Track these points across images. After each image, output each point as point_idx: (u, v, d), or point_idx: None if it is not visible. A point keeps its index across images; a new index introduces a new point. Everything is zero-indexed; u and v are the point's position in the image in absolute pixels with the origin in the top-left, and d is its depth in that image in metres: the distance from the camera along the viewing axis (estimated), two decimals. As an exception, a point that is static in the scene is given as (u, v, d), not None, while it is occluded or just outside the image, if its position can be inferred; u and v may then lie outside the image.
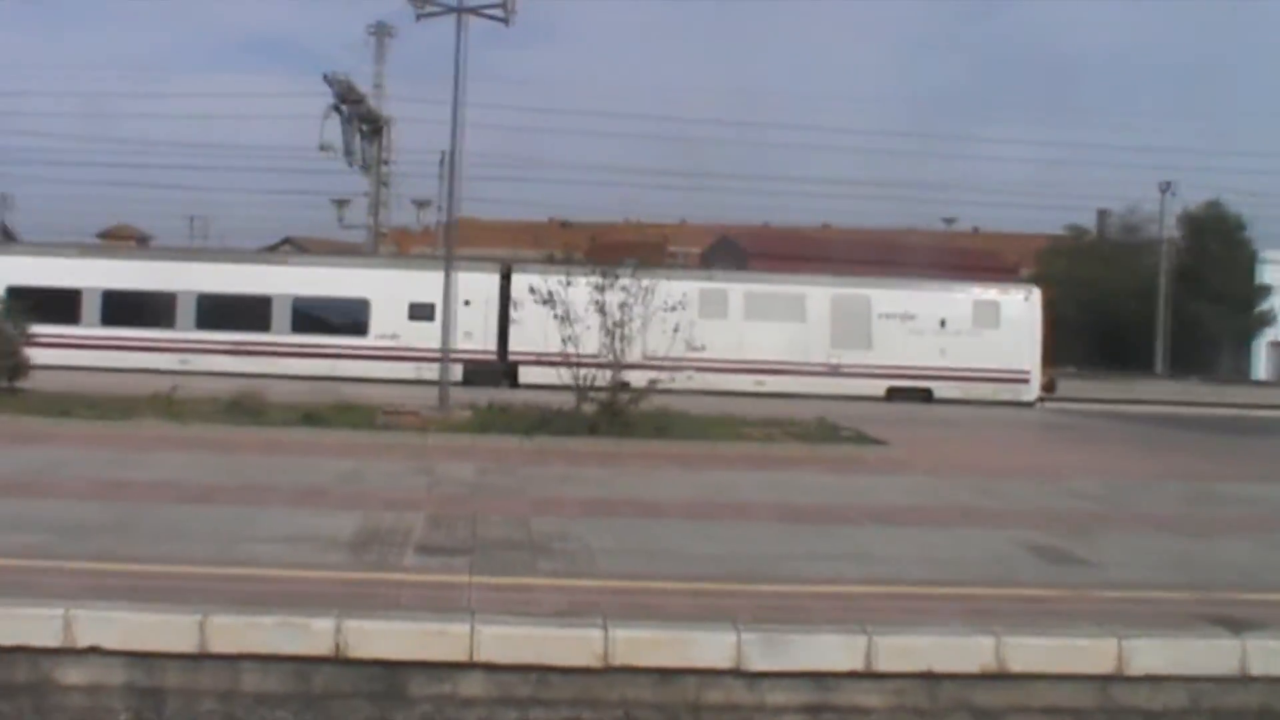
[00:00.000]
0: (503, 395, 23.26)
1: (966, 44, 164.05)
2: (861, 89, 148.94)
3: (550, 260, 44.19)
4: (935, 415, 30.47)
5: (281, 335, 33.94)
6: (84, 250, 38.50)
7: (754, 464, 17.61)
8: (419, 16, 23.28)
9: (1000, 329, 35.14)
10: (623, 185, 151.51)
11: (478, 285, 33.08)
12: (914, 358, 34.62)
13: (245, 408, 20.65)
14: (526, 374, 31.85)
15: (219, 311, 33.88)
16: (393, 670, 7.71)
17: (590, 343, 20.14)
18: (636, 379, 20.60)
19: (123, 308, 33.75)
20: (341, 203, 61.57)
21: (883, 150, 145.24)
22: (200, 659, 7.66)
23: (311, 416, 20.05)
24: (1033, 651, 7.93)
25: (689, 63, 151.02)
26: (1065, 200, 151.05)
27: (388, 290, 34.71)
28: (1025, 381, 34.96)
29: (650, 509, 13.07)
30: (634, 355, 20.73)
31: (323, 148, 56.40)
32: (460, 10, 22.93)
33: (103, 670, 7.67)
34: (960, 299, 35.94)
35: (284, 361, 32.27)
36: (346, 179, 59.40)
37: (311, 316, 34.72)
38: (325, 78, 55.21)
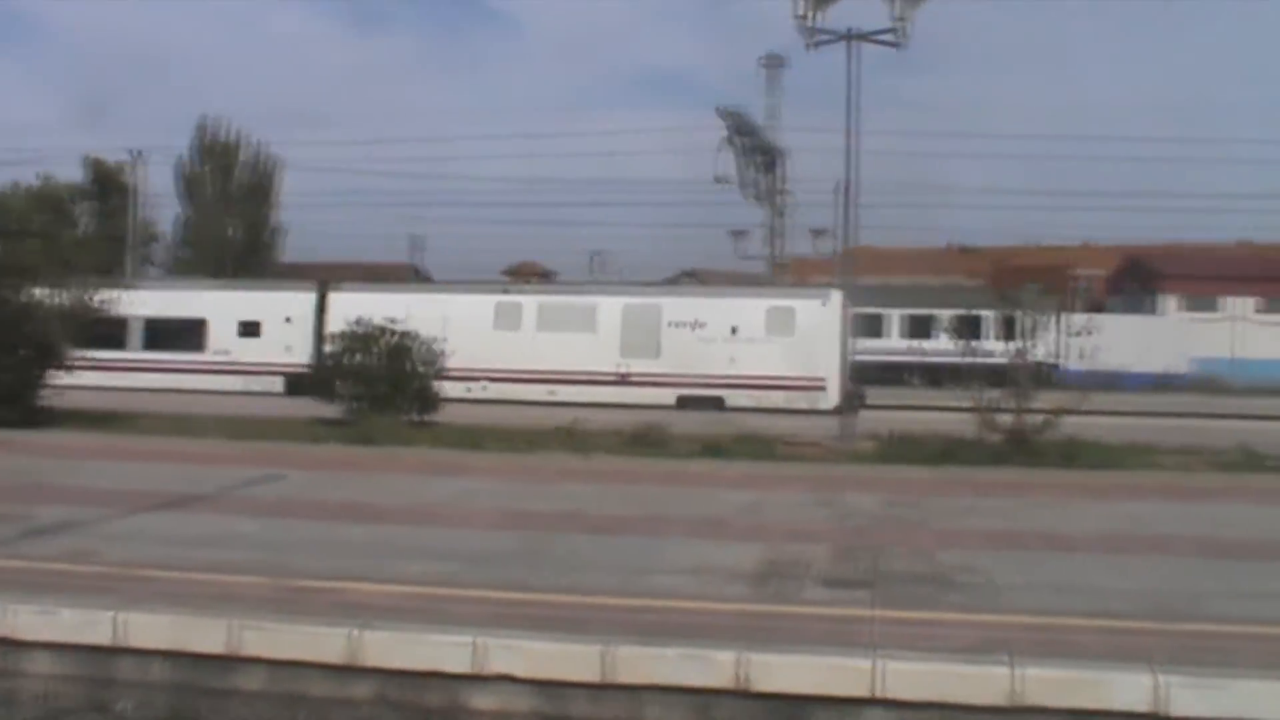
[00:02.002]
0: (902, 425, 23.21)
1: None
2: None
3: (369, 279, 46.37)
4: None
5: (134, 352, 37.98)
6: None
7: (1171, 495, 16.83)
8: (809, 46, 23.66)
9: (794, 336, 35.35)
10: (1023, 208, 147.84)
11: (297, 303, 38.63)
12: (705, 366, 35.49)
13: (647, 440, 21.48)
14: None
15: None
16: (794, 704, 7.88)
17: None
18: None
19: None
20: (738, 234, 62.89)
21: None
22: (604, 689, 8.07)
23: (712, 448, 20.67)
24: None
25: (1086, 81, 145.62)
26: None
27: (221, 310, 39.16)
28: (822, 389, 34.72)
29: (1060, 542, 12.74)
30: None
31: (718, 180, 57.88)
32: (851, 38, 23.17)
33: (510, 697, 8.20)
34: (752, 305, 36.52)
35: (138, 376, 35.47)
36: (743, 210, 60.67)
37: (160, 335, 38.51)
38: (718, 111, 56.67)
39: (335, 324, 34.14)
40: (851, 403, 34.03)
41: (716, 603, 9.52)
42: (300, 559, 10.96)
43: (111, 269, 52.52)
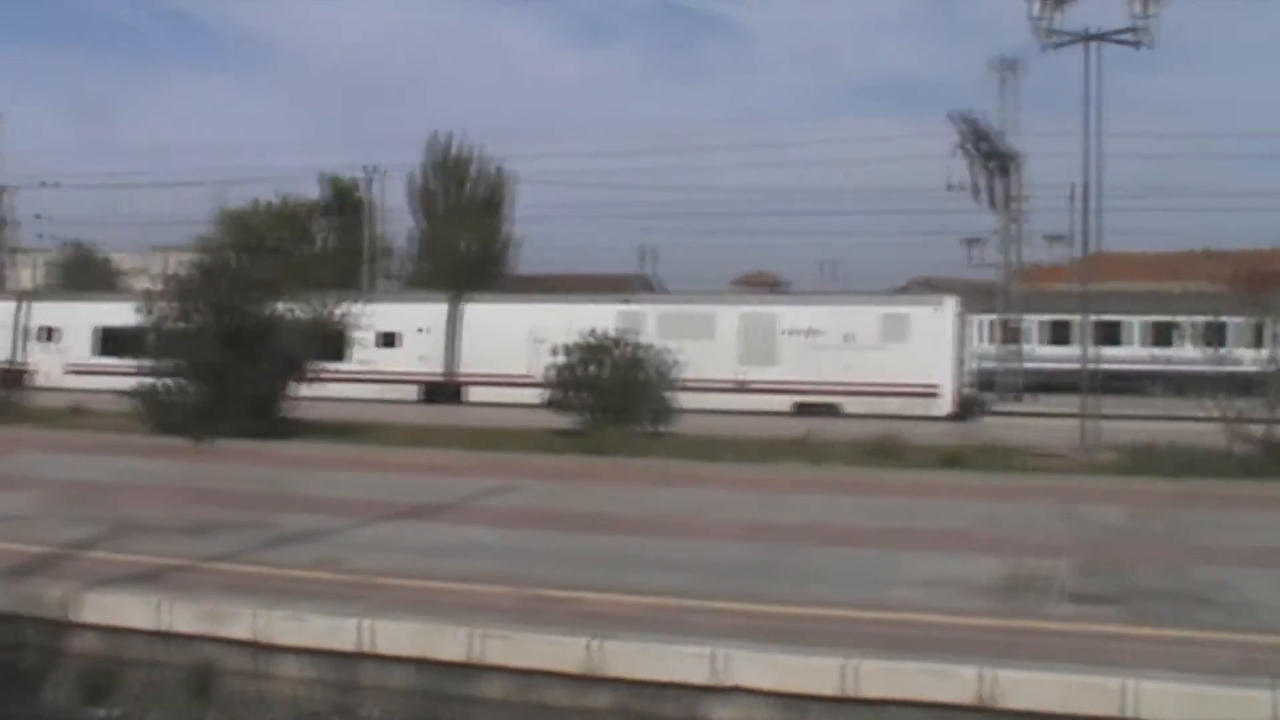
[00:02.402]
0: (1145, 435, 22.50)
1: None
2: None
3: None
4: None
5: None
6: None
7: None
8: (1047, 48, 23.15)
9: (908, 342, 35.69)
10: (1274, 211, 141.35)
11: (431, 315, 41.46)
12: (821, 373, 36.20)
13: (885, 450, 21.27)
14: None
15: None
16: (1041, 722, 7.70)
17: None
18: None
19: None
20: (971, 241, 61.74)
21: None
22: (844, 702, 7.98)
23: (952, 459, 20.36)
24: None
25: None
26: None
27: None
28: (936, 395, 35.22)
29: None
30: None
31: (950, 187, 56.97)
32: (1089, 39, 22.56)
33: (749, 709, 8.18)
34: (867, 313, 37.05)
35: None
36: (977, 217, 59.43)
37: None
38: (950, 117, 55.70)
39: (469, 334, 38.88)
40: (971, 409, 35.37)
41: (958, 616, 9.35)
42: (539, 568, 11.14)
43: (349, 284, 54.24)
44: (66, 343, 46.12)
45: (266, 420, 23.60)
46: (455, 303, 41.70)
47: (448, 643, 8.81)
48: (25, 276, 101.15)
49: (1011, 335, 51.33)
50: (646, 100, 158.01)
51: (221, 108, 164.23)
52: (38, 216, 79.31)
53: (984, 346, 48.80)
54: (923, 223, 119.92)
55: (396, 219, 76.16)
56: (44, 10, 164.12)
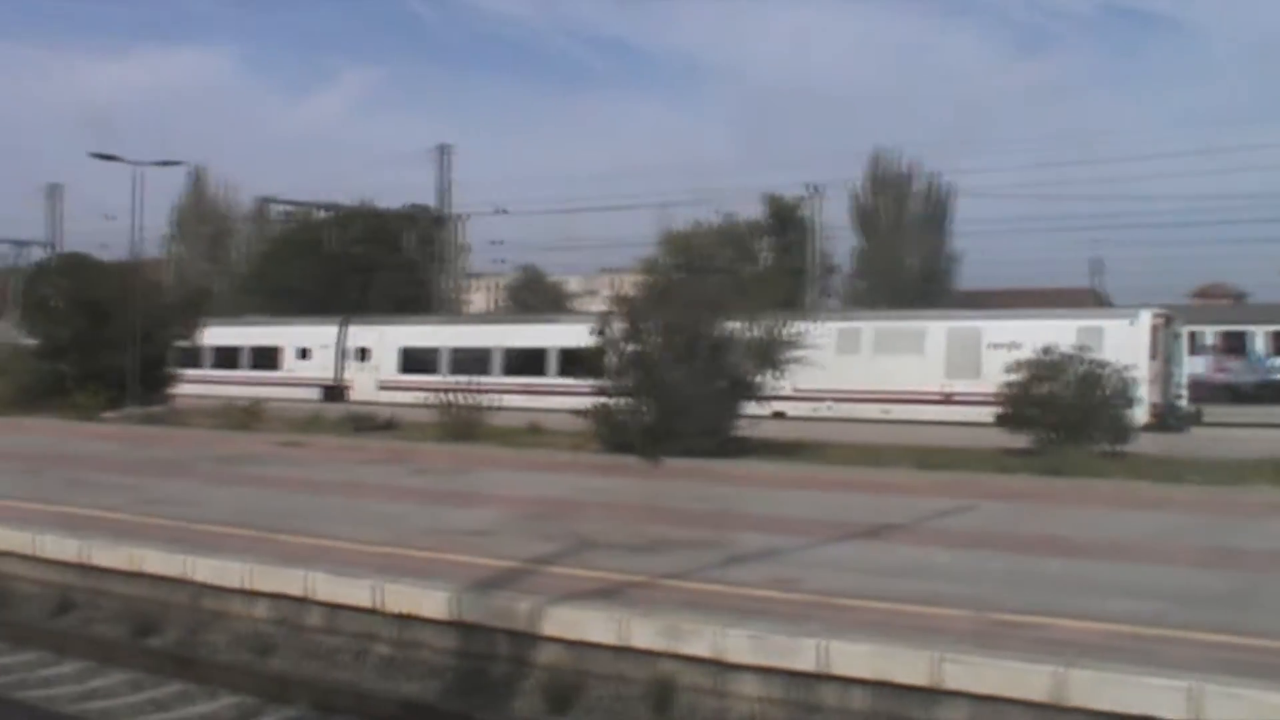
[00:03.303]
0: None
1: None
2: None
3: None
4: None
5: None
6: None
7: None
8: None
9: (1102, 355, 33.83)
10: None
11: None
12: None
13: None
14: None
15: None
16: None
17: None
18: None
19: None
20: None
21: None
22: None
23: None
24: None
25: None
26: None
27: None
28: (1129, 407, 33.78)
29: None
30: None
31: None
32: None
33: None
34: (1064, 327, 36.60)
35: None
36: None
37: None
38: None
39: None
40: (1176, 419, 36.67)
41: None
42: (997, 592, 10.95)
43: (792, 303, 54.92)
44: (377, 361, 52.35)
45: (717, 439, 24.11)
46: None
47: (907, 666, 8.78)
48: (480, 300, 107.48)
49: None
50: (1089, 108, 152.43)
51: (663, 131, 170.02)
52: (493, 243, 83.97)
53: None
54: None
55: (838, 237, 76.57)
56: (488, 43, 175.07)
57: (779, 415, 31.43)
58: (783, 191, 75.96)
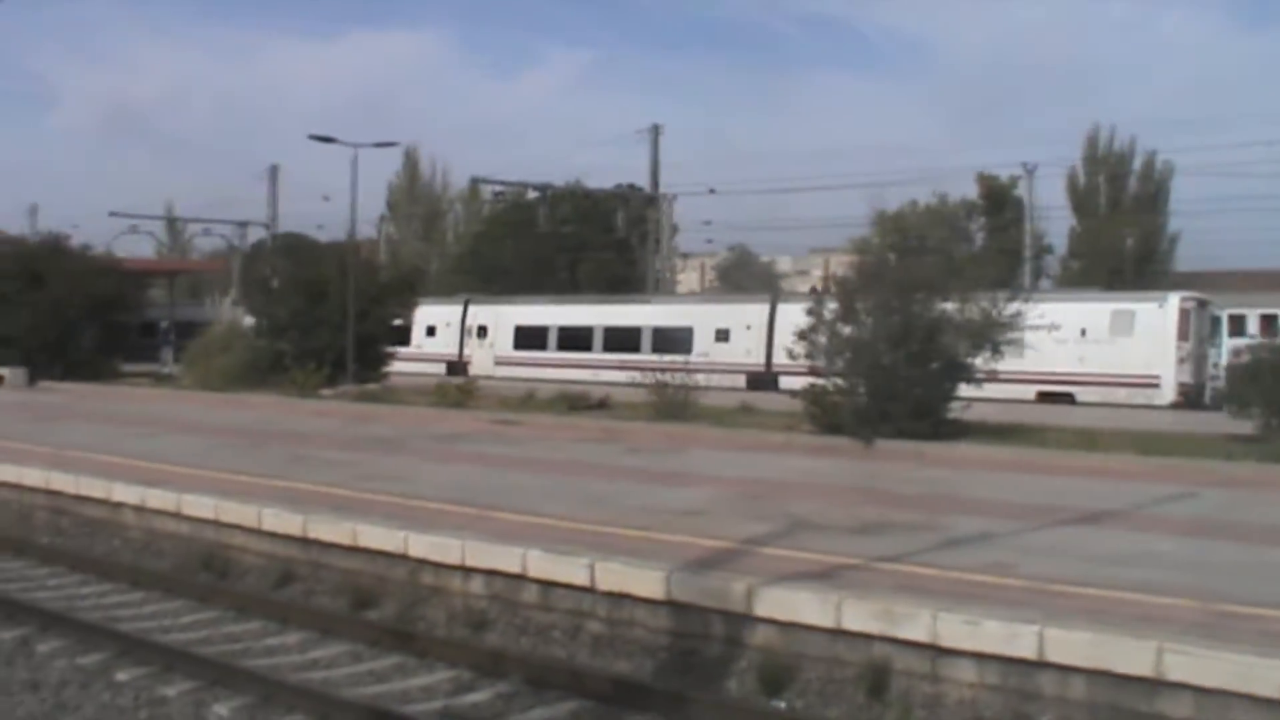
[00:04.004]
0: None
1: None
2: None
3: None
4: None
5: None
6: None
7: None
8: None
9: (1133, 336, 38.18)
10: None
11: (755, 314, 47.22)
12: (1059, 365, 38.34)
13: None
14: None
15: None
16: None
17: None
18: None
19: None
20: None
21: None
22: None
23: None
24: None
25: None
26: None
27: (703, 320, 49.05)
28: (1157, 385, 37.65)
29: None
30: None
31: None
32: None
33: None
34: (1099, 309, 39.81)
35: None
36: None
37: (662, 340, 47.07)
38: None
39: (782, 331, 40.11)
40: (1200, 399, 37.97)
41: None
42: (1222, 582, 10.66)
43: (1006, 283, 53.96)
44: (493, 338, 54.68)
45: (931, 421, 23.83)
46: (774, 303, 47.69)
47: (1128, 655, 8.61)
48: (692, 279, 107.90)
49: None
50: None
51: (875, 110, 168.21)
52: (704, 223, 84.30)
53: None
54: None
55: (1053, 217, 74.94)
56: (699, 24, 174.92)
57: None
58: (999, 171, 74.73)
